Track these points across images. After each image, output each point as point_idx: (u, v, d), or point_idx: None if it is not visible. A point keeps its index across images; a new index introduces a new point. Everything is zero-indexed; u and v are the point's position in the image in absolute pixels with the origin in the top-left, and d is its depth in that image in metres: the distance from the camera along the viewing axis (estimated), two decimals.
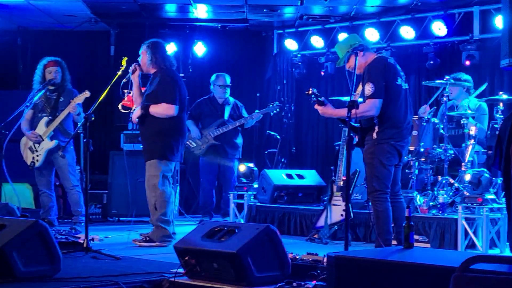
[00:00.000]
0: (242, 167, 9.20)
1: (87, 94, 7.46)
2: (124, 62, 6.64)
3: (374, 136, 5.63)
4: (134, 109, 6.92)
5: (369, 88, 5.57)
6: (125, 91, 6.96)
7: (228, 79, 9.11)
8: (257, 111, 9.02)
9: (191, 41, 10.83)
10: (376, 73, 5.64)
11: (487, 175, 6.93)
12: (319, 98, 5.74)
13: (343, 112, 5.62)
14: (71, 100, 7.53)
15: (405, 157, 7.33)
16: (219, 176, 9.20)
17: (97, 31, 10.96)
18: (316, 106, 5.82)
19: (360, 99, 5.70)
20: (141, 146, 7.04)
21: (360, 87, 5.86)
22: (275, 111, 9.13)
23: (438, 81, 7.52)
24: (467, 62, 9.08)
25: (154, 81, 6.76)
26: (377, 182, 5.63)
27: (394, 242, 5.71)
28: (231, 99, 9.20)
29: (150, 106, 6.66)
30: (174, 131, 6.72)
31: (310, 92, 5.74)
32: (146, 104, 6.68)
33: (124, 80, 6.83)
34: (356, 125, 5.77)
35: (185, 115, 6.91)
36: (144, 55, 6.84)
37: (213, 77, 9.18)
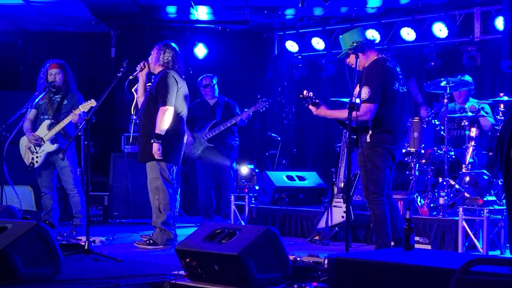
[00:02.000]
0: (245, 169, 9.19)
1: (92, 103, 7.38)
2: (124, 65, 6.64)
3: (368, 139, 5.62)
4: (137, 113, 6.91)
5: (365, 92, 5.56)
6: (133, 90, 6.96)
7: (213, 79, 9.11)
8: (246, 109, 8.98)
9: (191, 43, 10.83)
10: (374, 77, 5.62)
11: (485, 177, 6.93)
12: (313, 100, 5.73)
13: (337, 113, 5.67)
14: (79, 107, 7.49)
15: (405, 158, 7.37)
16: (217, 178, 9.19)
17: (97, 33, 10.96)
18: (310, 107, 5.81)
19: (358, 100, 5.71)
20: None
21: (357, 88, 5.86)
22: (264, 108, 9.08)
23: (443, 83, 7.46)
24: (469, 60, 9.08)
25: (154, 81, 6.78)
26: (373, 185, 5.62)
27: (391, 242, 5.71)
28: (223, 99, 9.19)
29: (155, 132, 6.57)
30: (171, 132, 6.71)
31: (305, 95, 5.73)
32: (153, 136, 6.58)
33: (131, 77, 6.83)
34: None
35: (183, 117, 6.90)
36: (153, 54, 6.86)
37: (199, 79, 9.21)
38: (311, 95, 5.75)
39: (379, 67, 5.69)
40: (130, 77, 6.83)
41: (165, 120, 6.60)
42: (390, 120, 5.65)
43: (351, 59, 5.80)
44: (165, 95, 6.61)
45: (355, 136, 5.69)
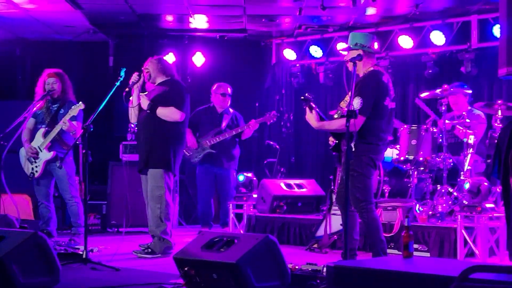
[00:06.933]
0: (241, 178, 9.17)
1: (81, 106, 7.43)
2: (122, 73, 6.66)
3: (353, 148, 5.58)
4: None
5: (358, 103, 5.54)
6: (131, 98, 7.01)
7: (229, 89, 9.10)
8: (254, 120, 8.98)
9: (189, 51, 10.85)
10: (368, 90, 5.61)
11: (486, 184, 6.93)
12: (310, 104, 5.71)
13: (326, 125, 5.71)
14: (68, 112, 7.50)
15: (404, 166, 7.35)
16: (217, 186, 9.16)
17: (95, 41, 10.97)
18: (307, 109, 5.77)
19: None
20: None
21: (347, 97, 5.85)
22: (272, 121, 9.10)
23: (438, 91, 7.49)
24: (467, 67, 9.11)
25: (162, 88, 6.82)
26: (361, 193, 5.61)
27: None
28: (231, 110, 9.18)
29: (158, 106, 6.73)
30: (178, 139, 6.81)
31: (306, 96, 5.72)
32: (154, 104, 6.74)
33: (127, 89, 6.85)
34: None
35: (186, 127, 7.01)
36: (154, 64, 6.94)
37: (214, 86, 9.17)
38: (311, 98, 5.74)
39: (374, 81, 5.67)
40: (126, 89, 6.85)
41: (170, 115, 6.73)
42: (376, 133, 5.67)
43: (349, 65, 5.80)
44: (181, 101, 6.78)
45: (338, 143, 5.71)
